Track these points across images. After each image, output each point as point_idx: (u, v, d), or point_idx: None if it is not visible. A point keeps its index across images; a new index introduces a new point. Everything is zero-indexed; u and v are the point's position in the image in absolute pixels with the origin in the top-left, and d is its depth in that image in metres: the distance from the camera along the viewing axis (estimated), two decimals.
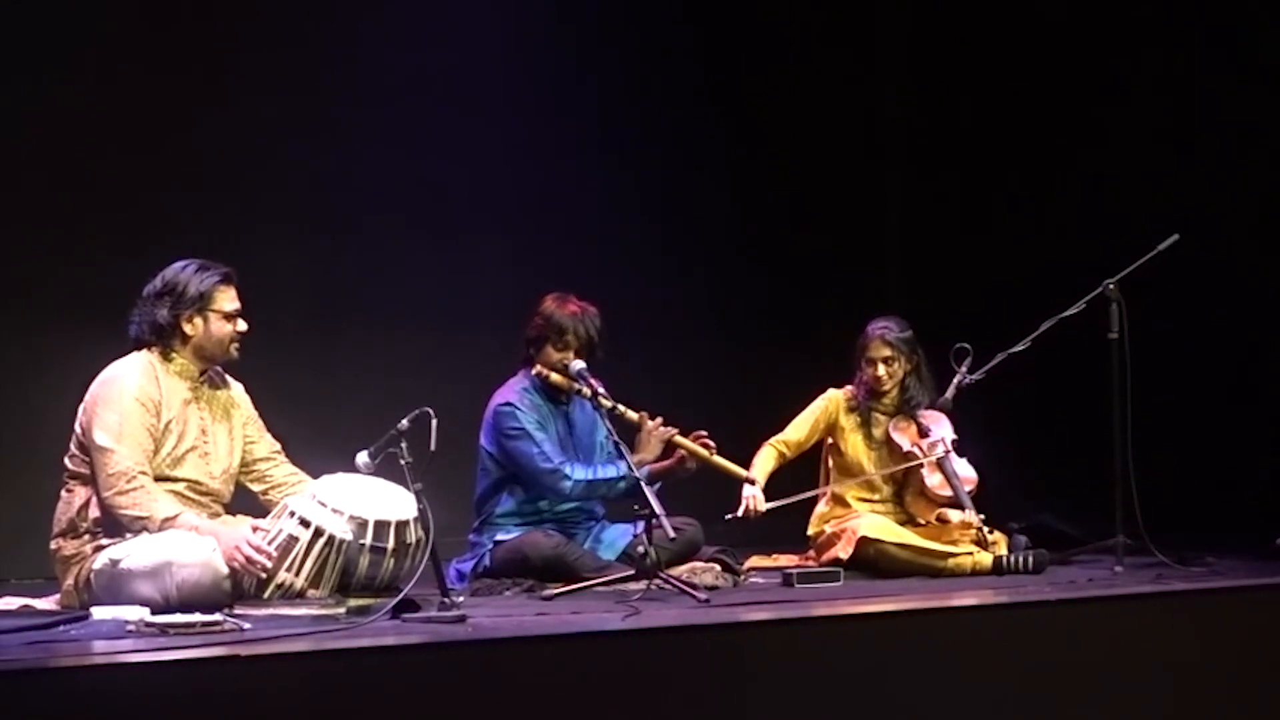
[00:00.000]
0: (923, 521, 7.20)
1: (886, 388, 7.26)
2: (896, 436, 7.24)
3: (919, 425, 7.27)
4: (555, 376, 6.69)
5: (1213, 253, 8.23)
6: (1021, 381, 7.45)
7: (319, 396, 7.82)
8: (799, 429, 7.27)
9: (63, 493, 5.89)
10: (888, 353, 7.23)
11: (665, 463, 6.71)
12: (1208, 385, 8.52)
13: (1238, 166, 8.62)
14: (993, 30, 9.43)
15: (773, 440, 7.25)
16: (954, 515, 7.08)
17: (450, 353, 8.13)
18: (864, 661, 5.50)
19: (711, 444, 6.73)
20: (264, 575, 5.62)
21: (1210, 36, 8.80)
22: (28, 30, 7.43)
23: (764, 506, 6.99)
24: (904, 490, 7.28)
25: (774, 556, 7.29)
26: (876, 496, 7.27)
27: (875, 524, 7.04)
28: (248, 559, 5.60)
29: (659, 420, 6.70)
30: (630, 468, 6.47)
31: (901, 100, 9.93)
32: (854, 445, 7.29)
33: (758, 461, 7.16)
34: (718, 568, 6.69)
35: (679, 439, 6.71)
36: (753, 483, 6.97)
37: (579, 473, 6.67)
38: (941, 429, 7.27)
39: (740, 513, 6.96)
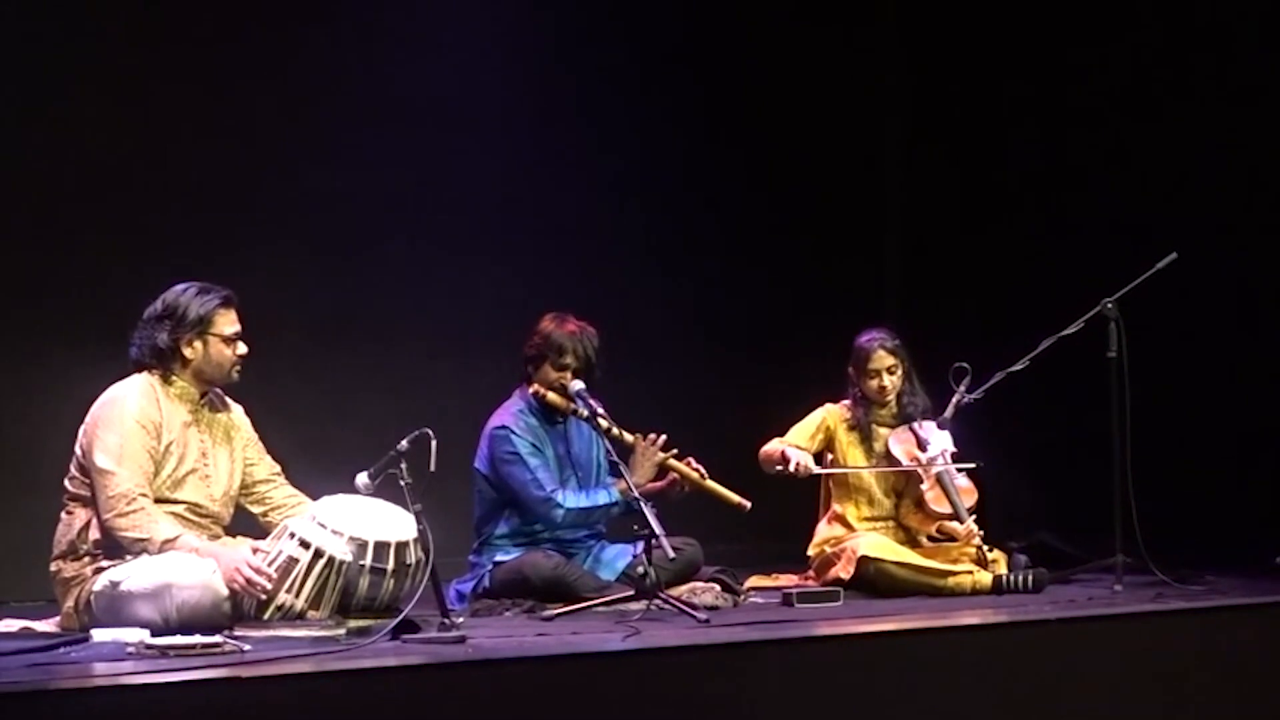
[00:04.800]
0: (923, 539, 7.21)
1: (890, 397, 7.25)
2: (895, 451, 7.23)
3: (917, 438, 7.27)
4: (552, 396, 6.69)
5: (1211, 271, 8.24)
6: (1020, 400, 7.45)
7: (319, 417, 7.82)
8: (799, 435, 7.25)
9: (63, 515, 5.89)
10: (891, 361, 7.23)
11: (657, 484, 6.71)
12: (1207, 404, 8.52)
13: (1237, 184, 8.63)
14: (994, 44, 9.44)
15: (778, 439, 7.23)
16: (958, 529, 7.09)
17: (450, 373, 8.14)
18: (864, 681, 5.50)
19: (702, 469, 6.73)
20: (264, 597, 5.61)
21: (1210, 54, 8.81)
22: (30, 48, 7.44)
23: (815, 469, 7.08)
24: (900, 503, 7.28)
25: (774, 576, 7.28)
26: (877, 514, 7.27)
27: (875, 543, 7.04)
28: (248, 580, 5.60)
29: (652, 438, 6.70)
30: (630, 487, 6.47)
31: (902, 115, 9.94)
32: (854, 461, 7.27)
33: (778, 444, 7.14)
34: (717, 588, 6.69)
35: (671, 462, 6.70)
36: (790, 461, 7.00)
37: (571, 500, 6.67)
38: (940, 442, 7.26)
39: (792, 468, 7.00)
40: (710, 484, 6.72)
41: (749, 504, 6.70)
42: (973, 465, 7.23)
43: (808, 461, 7.08)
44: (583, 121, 8.91)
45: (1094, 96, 9.15)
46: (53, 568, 5.87)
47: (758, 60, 9.46)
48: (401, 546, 5.68)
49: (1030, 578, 6.96)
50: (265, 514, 6.08)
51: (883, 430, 7.30)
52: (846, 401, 7.34)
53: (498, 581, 6.61)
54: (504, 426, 6.72)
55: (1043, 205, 9.29)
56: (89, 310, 7.25)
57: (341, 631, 5.56)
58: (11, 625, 5.87)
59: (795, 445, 7.17)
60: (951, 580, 6.97)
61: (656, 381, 8.53)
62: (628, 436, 6.68)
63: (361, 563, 5.64)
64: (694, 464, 6.73)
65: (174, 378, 5.93)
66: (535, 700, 4.96)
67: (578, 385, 6.66)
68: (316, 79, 8.10)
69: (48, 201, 7.48)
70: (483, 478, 6.76)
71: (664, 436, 6.71)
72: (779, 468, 7.06)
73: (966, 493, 7.22)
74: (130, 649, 5.20)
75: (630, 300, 8.65)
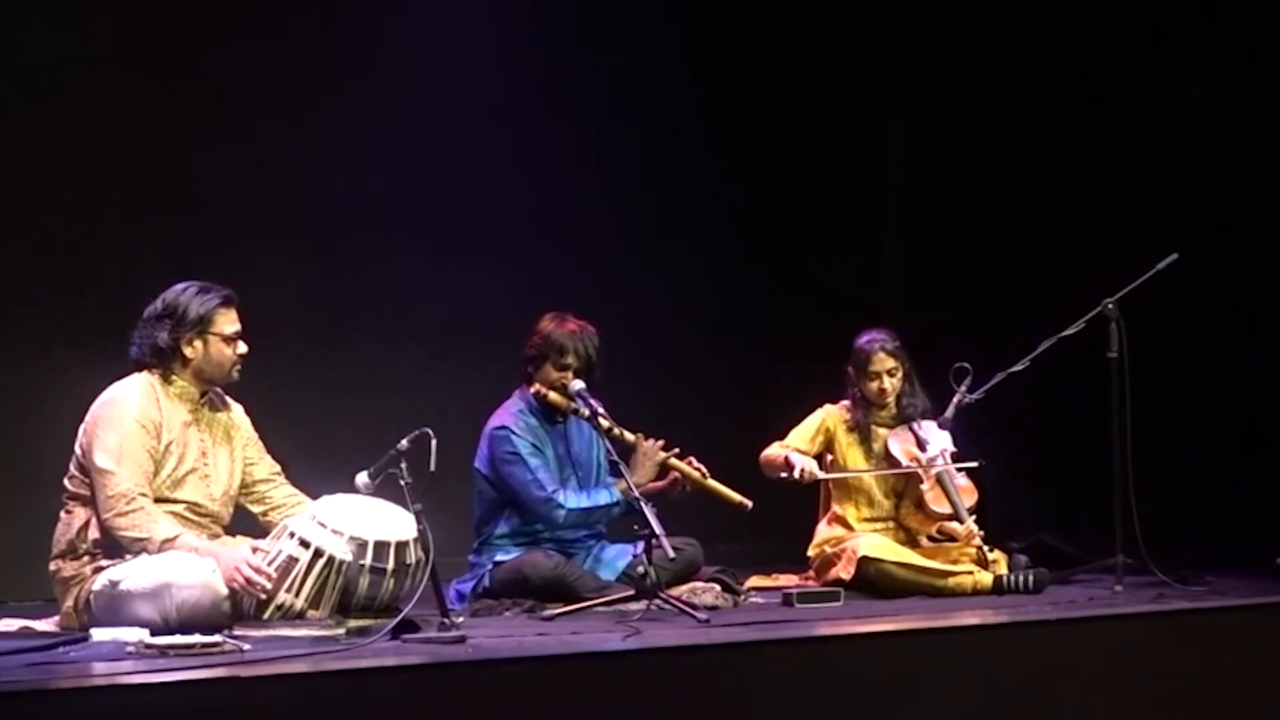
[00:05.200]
0: (923, 539, 7.21)
1: (890, 399, 7.25)
2: (894, 451, 7.23)
3: (917, 438, 7.26)
4: (554, 396, 6.69)
5: (1212, 271, 8.23)
6: (1020, 400, 7.45)
7: (319, 417, 7.82)
8: (799, 437, 7.25)
9: (62, 514, 5.89)
10: (892, 363, 7.23)
11: (658, 484, 6.71)
12: (1207, 404, 8.52)
13: (1237, 184, 8.62)
14: (994, 44, 9.43)
15: (778, 443, 7.23)
16: (958, 529, 7.09)
17: (450, 373, 8.14)
18: (864, 681, 5.50)
19: (703, 468, 6.73)
20: (264, 596, 5.62)
21: (1210, 54, 8.81)
22: (30, 47, 7.44)
23: (819, 474, 7.08)
24: (900, 504, 7.28)
25: (774, 576, 7.28)
26: (877, 515, 7.27)
27: (875, 543, 7.03)
28: (247, 580, 5.60)
29: (654, 441, 6.71)
30: (630, 487, 6.47)
31: (902, 115, 9.93)
32: (854, 462, 7.28)
33: (780, 449, 7.13)
34: (718, 588, 6.69)
35: (673, 461, 6.71)
36: (795, 467, 7.00)
37: (572, 501, 6.67)
38: (940, 442, 7.26)
39: (797, 474, 6.99)
40: (711, 483, 6.73)
41: (750, 504, 6.70)
42: (973, 464, 7.23)
43: (812, 467, 7.08)
44: (583, 121, 8.91)
45: (1094, 96, 9.15)
46: (52, 567, 5.88)
47: (758, 60, 9.46)
48: (401, 546, 5.68)
49: (1031, 578, 6.96)
50: (265, 513, 6.09)
51: (882, 431, 7.30)
52: (846, 402, 7.33)
53: (498, 581, 6.61)
54: (504, 426, 6.72)
55: (1043, 205, 9.28)
56: (89, 310, 7.25)
57: (341, 631, 5.56)
58: (11, 625, 5.88)
59: (797, 449, 7.17)
60: (952, 581, 6.97)
61: (656, 381, 8.53)
62: (628, 436, 6.69)
63: (361, 562, 5.64)
64: (695, 463, 6.74)
65: (174, 377, 5.93)
66: (535, 700, 4.96)
67: (578, 385, 6.66)
68: (316, 79, 8.10)
69: (47, 201, 7.47)
70: (483, 478, 6.77)
71: (661, 444, 6.71)
72: (783, 474, 7.06)
73: (966, 492, 7.22)
74: (130, 648, 5.20)
75: (630, 300, 8.64)
